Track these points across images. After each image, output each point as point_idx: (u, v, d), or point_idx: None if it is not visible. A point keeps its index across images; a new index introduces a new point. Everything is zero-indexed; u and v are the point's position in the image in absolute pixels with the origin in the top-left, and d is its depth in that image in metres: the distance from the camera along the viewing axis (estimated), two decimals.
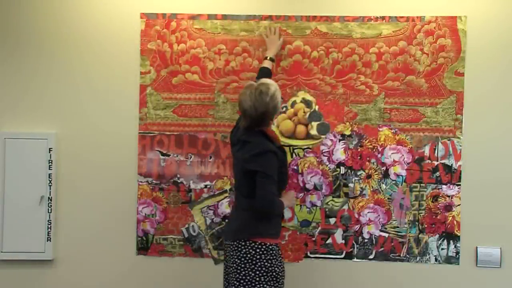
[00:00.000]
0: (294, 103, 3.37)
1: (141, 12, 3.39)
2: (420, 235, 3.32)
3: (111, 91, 3.40)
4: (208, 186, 3.38)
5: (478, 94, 3.30)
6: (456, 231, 3.31)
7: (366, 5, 3.34)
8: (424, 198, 3.32)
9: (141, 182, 3.39)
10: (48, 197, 3.37)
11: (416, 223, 3.32)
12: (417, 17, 3.31)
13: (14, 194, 3.35)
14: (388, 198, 3.33)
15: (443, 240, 3.31)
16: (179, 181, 3.38)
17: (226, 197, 3.37)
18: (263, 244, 2.75)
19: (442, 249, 3.31)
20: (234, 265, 2.76)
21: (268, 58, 3.24)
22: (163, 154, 3.39)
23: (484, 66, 3.30)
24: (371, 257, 3.34)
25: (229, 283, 2.84)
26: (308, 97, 3.36)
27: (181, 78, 3.38)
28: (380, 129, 3.34)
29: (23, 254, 3.37)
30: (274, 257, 2.77)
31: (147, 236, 3.40)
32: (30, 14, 3.41)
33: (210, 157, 3.38)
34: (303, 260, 3.36)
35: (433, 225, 3.31)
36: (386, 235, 3.34)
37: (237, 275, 2.74)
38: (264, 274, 2.72)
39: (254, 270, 2.73)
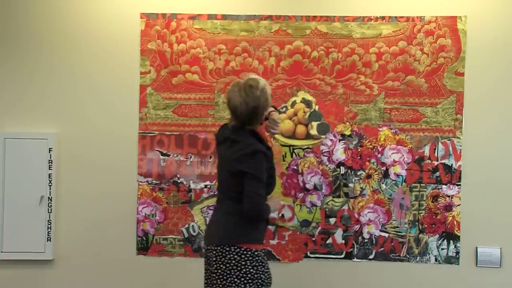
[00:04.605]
0: (294, 103, 3.37)
1: (141, 12, 3.39)
2: (420, 235, 3.32)
3: (111, 91, 3.40)
4: (208, 186, 3.38)
5: (478, 94, 3.30)
6: (456, 231, 3.31)
7: (366, 5, 3.34)
8: (424, 198, 3.32)
9: (141, 182, 3.39)
10: (48, 197, 3.37)
11: (416, 223, 3.32)
12: (417, 17, 3.31)
13: (14, 194, 3.35)
14: (388, 198, 3.33)
15: (443, 240, 3.31)
16: (179, 181, 3.38)
17: None
18: (248, 250, 2.64)
19: (442, 249, 3.31)
20: (219, 271, 2.66)
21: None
22: (163, 154, 3.39)
23: (484, 66, 3.30)
24: (371, 257, 3.34)
25: None
26: (308, 97, 3.36)
27: (181, 78, 3.38)
28: (380, 129, 3.34)
29: (23, 254, 3.37)
30: (260, 263, 2.67)
31: (147, 236, 3.40)
32: (30, 14, 3.41)
33: (210, 157, 3.37)
34: (303, 260, 3.37)
35: (433, 225, 3.31)
36: (386, 235, 3.34)
37: (223, 281, 2.65)
38: (250, 281, 2.63)
39: (239, 277, 2.63)
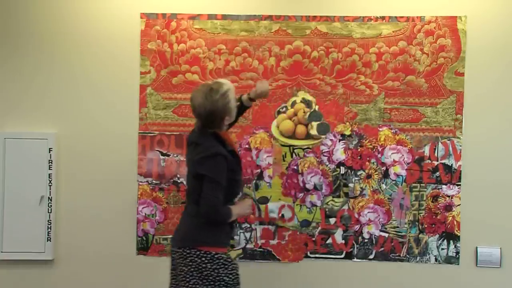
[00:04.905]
0: (294, 103, 3.37)
1: (141, 12, 3.39)
2: (420, 235, 3.32)
3: (111, 91, 3.40)
4: None
5: (478, 94, 3.30)
6: (456, 231, 3.31)
7: (366, 5, 3.34)
8: (424, 198, 3.32)
9: (141, 182, 3.39)
10: (48, 197, 3.37)
11: (416, 223, 3.32)
12: (417, 17, 3.31)
13: (14, 194, 3.35)
14: (388, 198, 3.33)
15: (443, 240, 3.31)
16: (179, 181, 3.38)
17: None
18: (208, 253, 2.64)
19: (442, 249, 3.31)
20: (183, 273, 2.67)
21: (251, 95, 3.02)
22: (163, 154, 3.39)
23: (484, 66, 3.30)
24: (371, 257, 3.34)
25: None
26: (308, 97, 3.36)
27: (181, 78, 3.38)
28: (380, 129, 3.34)
29: (23, 254, 3.37)
30: (222, 266, 2.65)
31: (147, 236, 3.40)
32: (30, 14, 3.41)
33: None
34: (303, 260, 3.37)
35: (433, 225, 3.31)
36: (386, 235, 3.34)
37: (187, 283, 2.65)
38: (212, 283, 2.63)
39: (201, 278, 2.63)
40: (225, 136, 2.77)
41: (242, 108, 3.03)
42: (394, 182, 3.33)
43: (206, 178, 2.62)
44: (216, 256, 2.65)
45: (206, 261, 2.64)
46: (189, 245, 2.66)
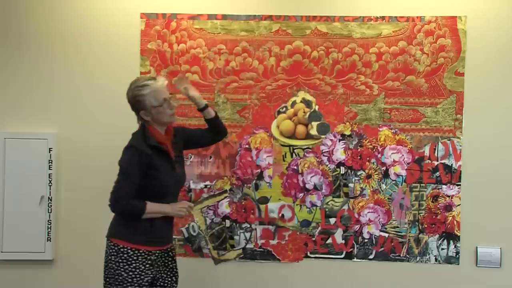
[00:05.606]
0: (294, 103, 3.37)
1: (141, 12, 3.39)
2: (420, 235, 3.32)
3: (111, 91, 3.39)
4: (208, 186, 3.38)
5: (478, 94, 3.30)
6: (456, 231, 3.31)
7: (366, 5, 3.34)
8: (424, 198, 3.32)
9: None
10: (48, 197, 3.37)
11: (416, 223, 3.32)
12: (417, 17, 3.31)
13: (14, 194, 3.35)
14: (388, 198, 3.33)
15: (443, 240, 3.31)
16: None
17: (226, 197, 3.37)
18: (115, 245, 2.68)
19: (442, 249, 3.31)
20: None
21: (204, 105, 2.98)
22: None
23: (484, 66, 3.30)
24: (371, 257, 3.34)
25: None
26: (308, 97, 3.36)
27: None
28: (380, 129, 3.34)
29: (23, 254, 3.37)
30: (124, 260, 2.66)
31: None
32: (30, 14, 3.41)
33: (210, 157, 3.38)
34: (303, 260, 3.37)
35: (433, 225, 3.31)
36: (386, 235, 3.34)
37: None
38: (110, 275, 2.67)
39: (105, 268, 2.70)
40: (152, 131, 2.76)
41: (210, 123, 3.01)
42: (394, 182, 3.33)
43: (119, 169, 2.70)
44: (121, 249, 2.68)
45: (113, 252, 2.69)
46: (107, 236, 2.75)
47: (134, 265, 2.68)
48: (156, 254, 2.77)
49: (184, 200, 2.86)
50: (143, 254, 2.70)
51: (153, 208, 2.71)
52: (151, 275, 2.73)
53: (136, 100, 2.74)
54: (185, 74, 3.38)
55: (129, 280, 2.66)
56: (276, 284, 3.38)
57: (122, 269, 2.67)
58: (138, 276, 2.68)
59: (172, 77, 3.38)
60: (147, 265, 2.71)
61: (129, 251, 2.68)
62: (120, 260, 2.67)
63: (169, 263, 2.85)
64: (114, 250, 2.69)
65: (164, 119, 2.78)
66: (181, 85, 3.01)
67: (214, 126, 3.03)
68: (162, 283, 2.82)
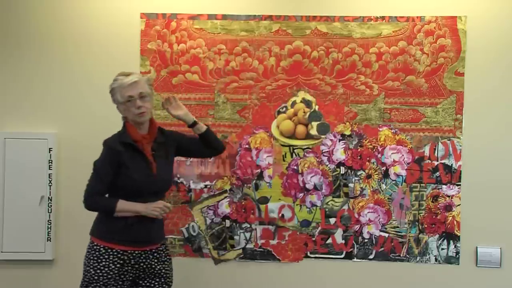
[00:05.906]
0: (294, 103, 3.37)
1: (141, 12, 3.39)
2: (420, 235, 3.32)
3: None
4: (208, 186, 3.38)
5: (478, 94, 3.30)
6: (456, 231, 3.31)
7: (366, 5, 3.34)
8: (424, 198, 3.32)
9: None
10: (48, 197, 3.37)
11: (416, 223, 3.32)
12: (417, 17, 3.31)
13: (14, 194, 3.35)
14: (388, 198, 3.33)
15: (443, 240, 3.31)
16: (179, 181, 3.38)
17: (226, 197, 3.37)
18: (91, 243, 2.73)
19: (442, 249, 3.31)
20: None
21: (193, 121, 2.97)
22: None
23: (484, 66, 3.30)
24: (371, 257, 3.34)
25: None
26: (308, 97, 3.36)
27: (181, 78, 3.38)
28: (380, 129, 3.34)
29: (23, 254, 3.37)
30: (95, 258, 2.67)
31: None
32: (30, 14, 3.41)
33: (210, 157, 3.37)
34: (303, 260, 3.37)
35: (433, 225, 3.31)
36: (386, 235, 3.34)
37: None
38: (84, 271, 2.70)
39: (83, 265, 2.73)
40: (128, 128, 2.78)
41: (202, 138, 2.99)
42: (394, 182, 3.33)
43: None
44: (95, 247, 2.70)
45: (88, 249, 2.73)
46: (89, 233, 2.79)
47: (103, 263, 2.67)
48: (134, 255, 2.72)
49: (160, 201, 2.77)
50: (115, 253, 2.68)
51: (125, 206, 2.69)
52: (126, 275, 2.70)
53: (110, 94, 2.81)
54: (185, 74, 3.38)
55: (95, 278, 2.65)
56: (276, 284, 3.38)
57: (90, 267, 2.68)
58: (105, 274, 2.66)
59: (172, 77, 3.39)
60: (118, 265, 2.68)
61: (101, 249, 2.69)
62: (92, 257, 2.69)
63: (155, 264, 2.79)
64: (89, 247, 2.73)
65: (130, 117, 2.77)
66: (166, 105, 2.98)
67: (207, 142, 2.98)
68: (146, 285, 2.78)
